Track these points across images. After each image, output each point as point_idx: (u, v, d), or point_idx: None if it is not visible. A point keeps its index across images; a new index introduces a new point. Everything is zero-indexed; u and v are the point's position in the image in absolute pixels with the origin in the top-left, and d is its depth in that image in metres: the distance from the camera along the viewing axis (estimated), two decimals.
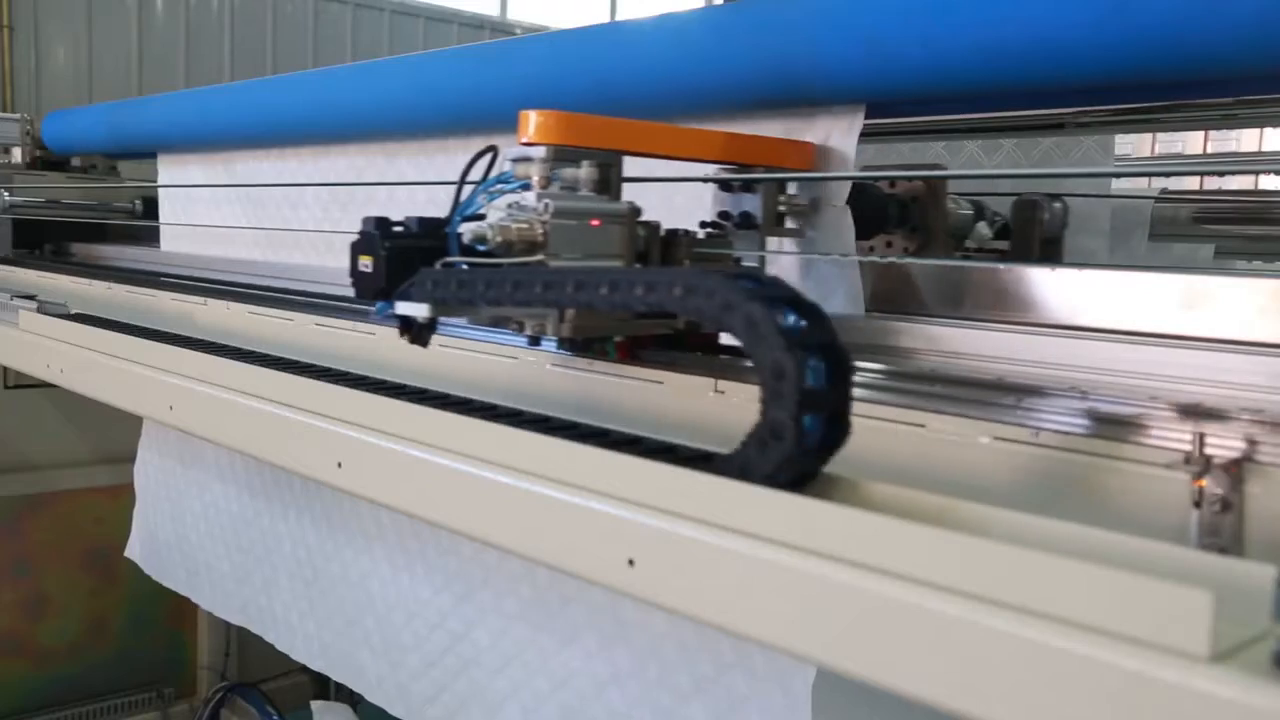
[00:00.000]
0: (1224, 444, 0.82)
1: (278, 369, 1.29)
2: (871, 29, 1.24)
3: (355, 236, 1.17)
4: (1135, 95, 1.31)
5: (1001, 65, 1.15)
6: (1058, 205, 1.79)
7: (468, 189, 1.19)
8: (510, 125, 1.86)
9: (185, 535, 2.42)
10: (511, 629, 1.60)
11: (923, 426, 1.01)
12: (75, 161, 3.59)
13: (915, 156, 2.51)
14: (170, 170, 2.87)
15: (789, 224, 1.37)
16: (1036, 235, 1.74)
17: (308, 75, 2.37)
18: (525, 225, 1.10)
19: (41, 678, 3.79)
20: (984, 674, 0.59)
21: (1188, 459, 0.83)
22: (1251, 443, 0.81)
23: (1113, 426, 0.89)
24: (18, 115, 3.58)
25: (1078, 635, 0.56)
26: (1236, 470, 0.81)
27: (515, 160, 1.18)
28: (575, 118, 1.19)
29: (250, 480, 2.20)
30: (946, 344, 1.16)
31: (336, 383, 1.24)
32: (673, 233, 1.25)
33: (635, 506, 0.81)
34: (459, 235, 1.14)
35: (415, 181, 2.06)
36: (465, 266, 1.14)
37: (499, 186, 1.18)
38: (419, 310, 1.12)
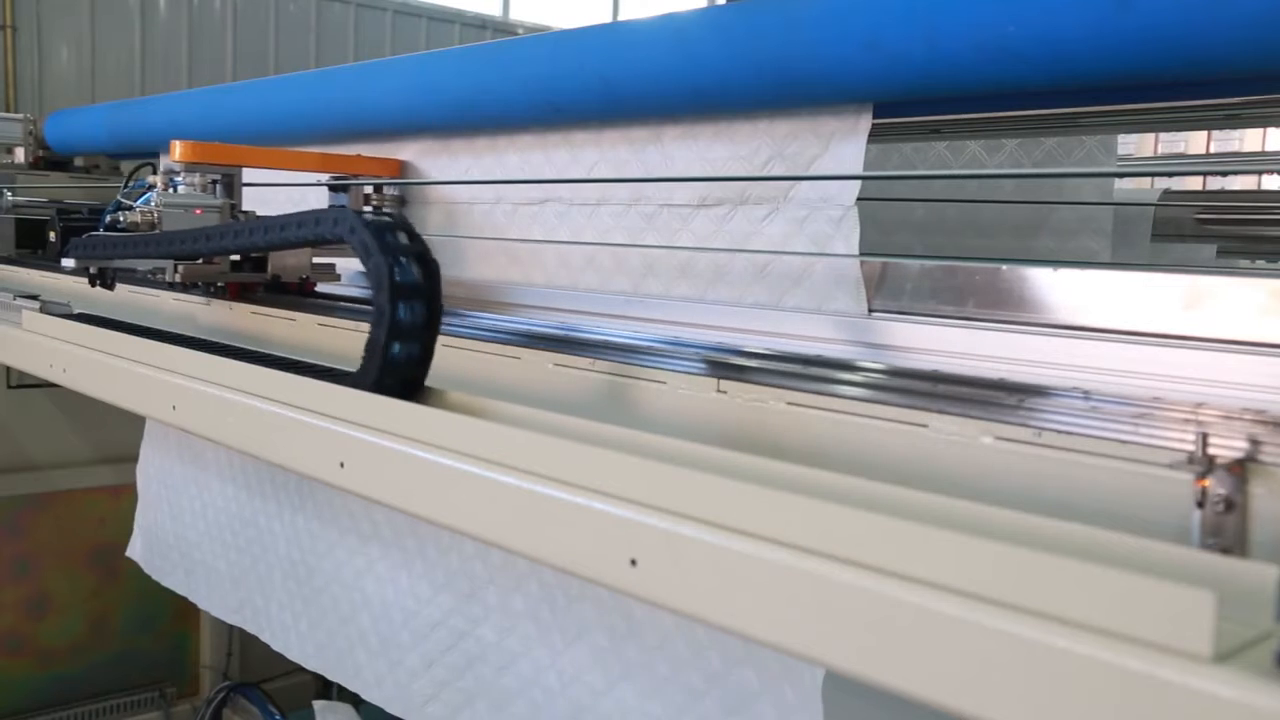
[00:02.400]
0: (1227, 444, 0.82)
1: (280, 369, 1.29)
2: (873, 29, 1.24)
3: None
4: (1138, 95, 1.30)
5: (1004, 65, 1.15)
6: None
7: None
8: (511, 125, 1.87)
9: (184, 535, 2.42)
10: (519, 625, 1.60)
11: (925, 426, 1.01)
12: (78, 161, 3.59)
13: (917, 156, 2.51)
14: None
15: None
16: None
17: (310, 75, 2.38)
18: (146, 212, 1.81)
19: (44, 677, 3.80)
20: (986, 674, 0.59)
21: (1191, 459, 0.83)
22: (1255, 443, 0.80)
23: (1115, 426, 0.88)
24: (21, 115, 3.58)
25: (1080, 635, 0.56)
26: (1239, 470, 0.81)
27: (163, 172, 1.89)
28: (201, 145, 1.88)
29: (247, 480, 2.20)
30: (948, 344, 1.16)
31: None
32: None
33: (638, 506, 0.81)
34: (107, 219, 1.89)
35: (415, 181, 2.06)
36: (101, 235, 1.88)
37: (138, 190, 1.93)
38: (70, 264, 1.89)
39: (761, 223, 1.47)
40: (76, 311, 1.92)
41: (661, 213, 1.60)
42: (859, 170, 1.38)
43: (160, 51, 6.72)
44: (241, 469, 2.22)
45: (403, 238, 1.17)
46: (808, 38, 1.31)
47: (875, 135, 1.38)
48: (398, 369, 1.14)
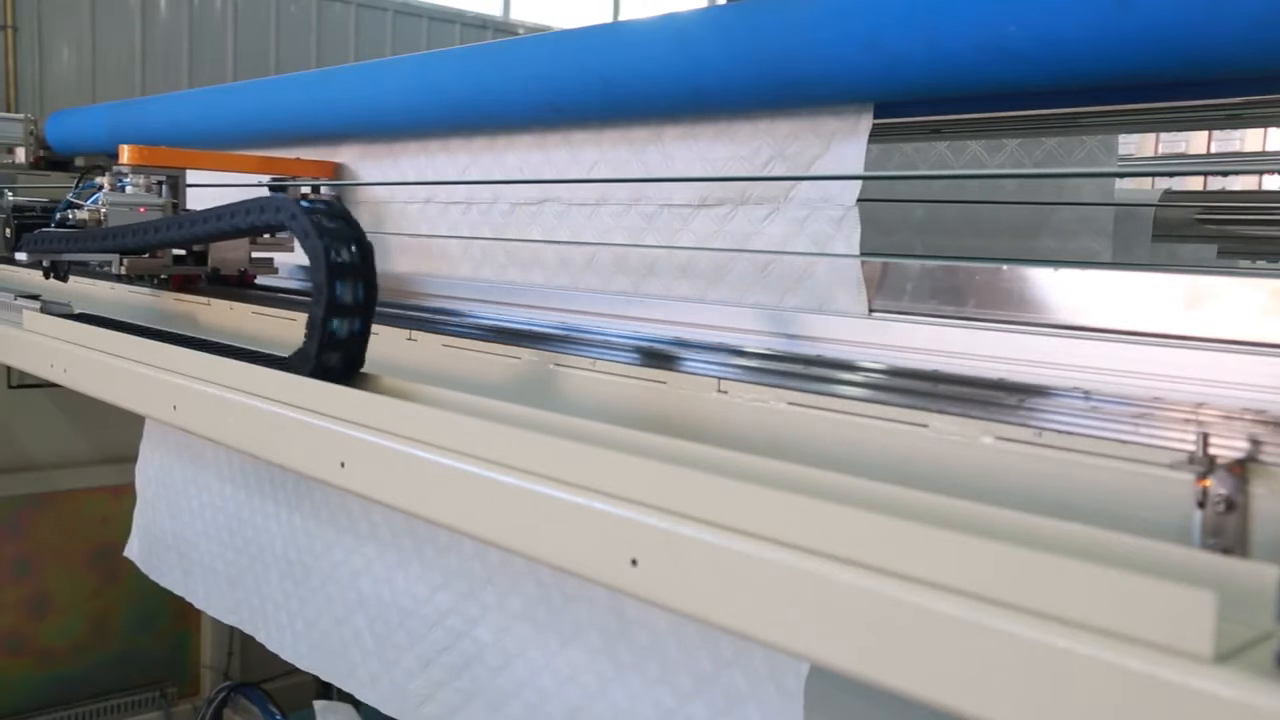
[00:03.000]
0: (1228, 444, 0.82)
1: (281, 369, 1.29)
2: (874, 29, 1.24)
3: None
4: (1139, 95, 1.30)
5: (1005, 65, 1.15)
6: None
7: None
8: (512, 124, 1.87)
9: (182, 535, 2.42)
10: (515, 626, 1.60)
11: (925, 426, 1.01)
12: (79, 161, 3.59)
13: (917, 156, 2.51)
14: None
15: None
16: None
17: (310, 75, 2.38)
18: (93, 210, 1.98)
19: (45, 677, 3.80)
20: (987, 674, 0.59)
21: (1191, 459, 0.83)
22: (1255, 443, 0.80)
23: (1116, 426, 0.88)
24: (22, 115, 3.58)
25: (1081, 635, 0.56)
26: (1240, 470, 0.81)
27: (112, 173, 2.03)
28: (147, 149, 2.05)
29: (245, 480, 2.20)
30: (949, 344, 1.16)
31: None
32: None
33: (639, 506, 0.81)
34: (58, 216, 2.06)
35: (416, 181, 2.06)
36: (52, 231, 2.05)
37: (88, 190, 2.08)
38: (22, 256, 2.14)
39: (762, 223, 1.47)
40: (77, 312, 1.92)
41: (662, 213, 1.60)
42: (860, 170, 1.38)
43: (161, 52, 6.72)
44: (240, 469, 2.22)
45: (338, 221, 1.27)
46: (808, 38, 1.31)
47: (876, 135, 1.38)
48: (337, 345, 1.24)
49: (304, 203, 1.31)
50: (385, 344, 1.67)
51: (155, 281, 2.09)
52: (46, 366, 1.75)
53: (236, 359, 1.31)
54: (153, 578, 2.54)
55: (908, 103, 1.42)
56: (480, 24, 8.33)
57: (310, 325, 1.23)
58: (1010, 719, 0.58)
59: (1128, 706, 0.54)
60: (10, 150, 3.49)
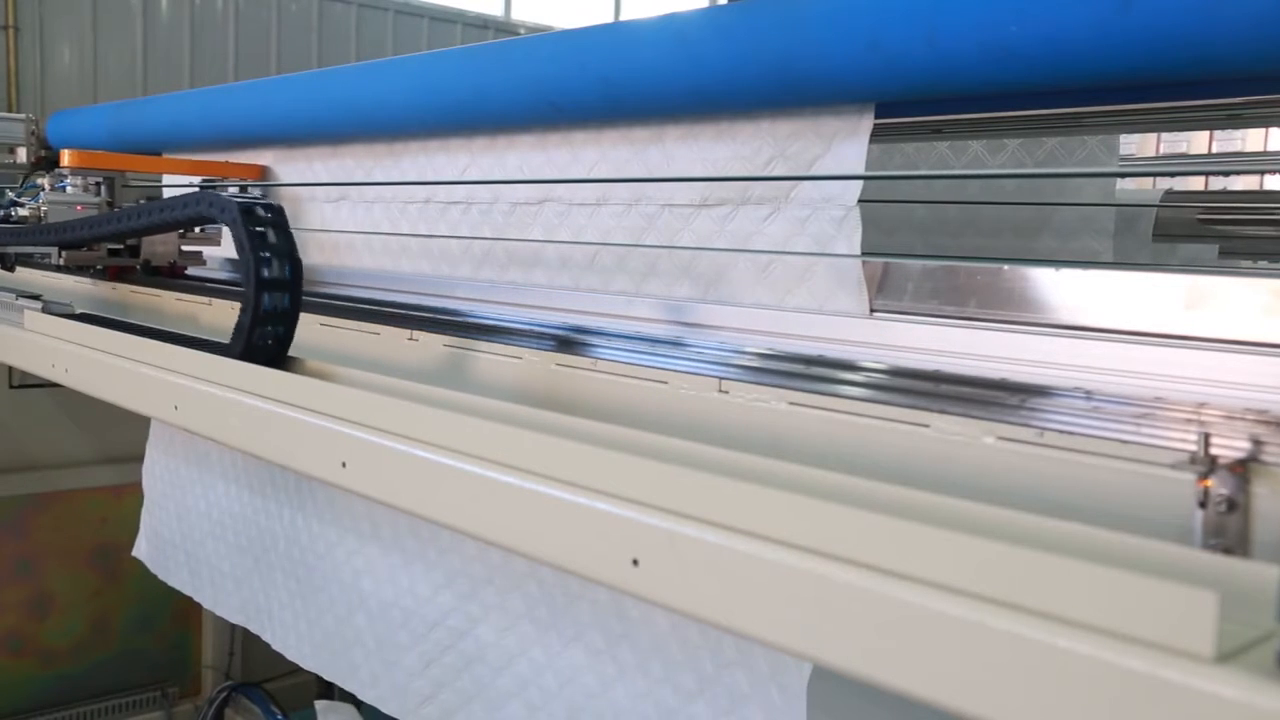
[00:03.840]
0: (1229, 444, 0.82)
1: (282, 369, 1.30)
2: (876, 29, 1.24)
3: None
4: (1140, 95, 1.30)
5: (1006, 65, 1.15)
6: None
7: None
8: (513, 124, 1.87)
9: (188, 535, 2.43)
10: (517, 626, 1.60)
11: (927, 426, 1.01)
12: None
13: (919, 156, 2.51)
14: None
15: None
16: None
17: (311, 75, 2.38)
18: (34, 208, 2.24)
19: (46, 677, 3.80)
20: (989, 674, 0.59)
21: (1193, 459, 0.83)
22: (1257, 443, 0.80)
23: (1118, 426, 0.88)
24: (23, 115, 3.58)
25: (1082, 635, 0.56)
26: (1242, 470, 0.81)
27: (53, 175, 2.28)
28: (87, 154, 2.35)
29: (249, 479, 2.20)
30: (950, 344, 1.16)
31: (340, 382, 1.25)
32: None
33: (640, 506, 0.81)
34: (1, 213, 2.31)
35: (417, 181, 2.06)
36: None
37: (31, 190, 2.35)
38: None
39: (763, 223, 1.47)
40: (78, 311, 1.92)
41: (663, 213, 1.60)
42: (861, 170, 1.38)
43: (162, 52, 6.72)
44: (244, 469, 2.22)
45: (262, 210, 1.43)
46: (810, 38, 1.31)
47: (877, 135, 1.38)
48: (268, 318, 1.38)
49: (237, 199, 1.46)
50: (386, 344, 1.67)
51: (91, 272, 2.38)
52: (48, 366, 1.76)
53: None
54: (160, 577, 2.55)
55: (909, 103, 1.42)
56: (481, 24, 8.34)
57: (244, 300, 1.37)
58: (1012, 719, 0.58)
59: (1129, 706, 0.54)
60: (11, 150, 3.48)
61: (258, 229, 1.37)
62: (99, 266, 2.31)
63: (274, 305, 1.37)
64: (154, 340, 1.53)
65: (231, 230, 1.40)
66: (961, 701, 0.60)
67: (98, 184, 2.29)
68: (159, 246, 2.30)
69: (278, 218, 1.41)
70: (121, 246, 2.24)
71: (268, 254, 1.37)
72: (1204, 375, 0.96)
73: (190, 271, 2.39)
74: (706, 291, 1.52)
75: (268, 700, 3.74)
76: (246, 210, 1.39)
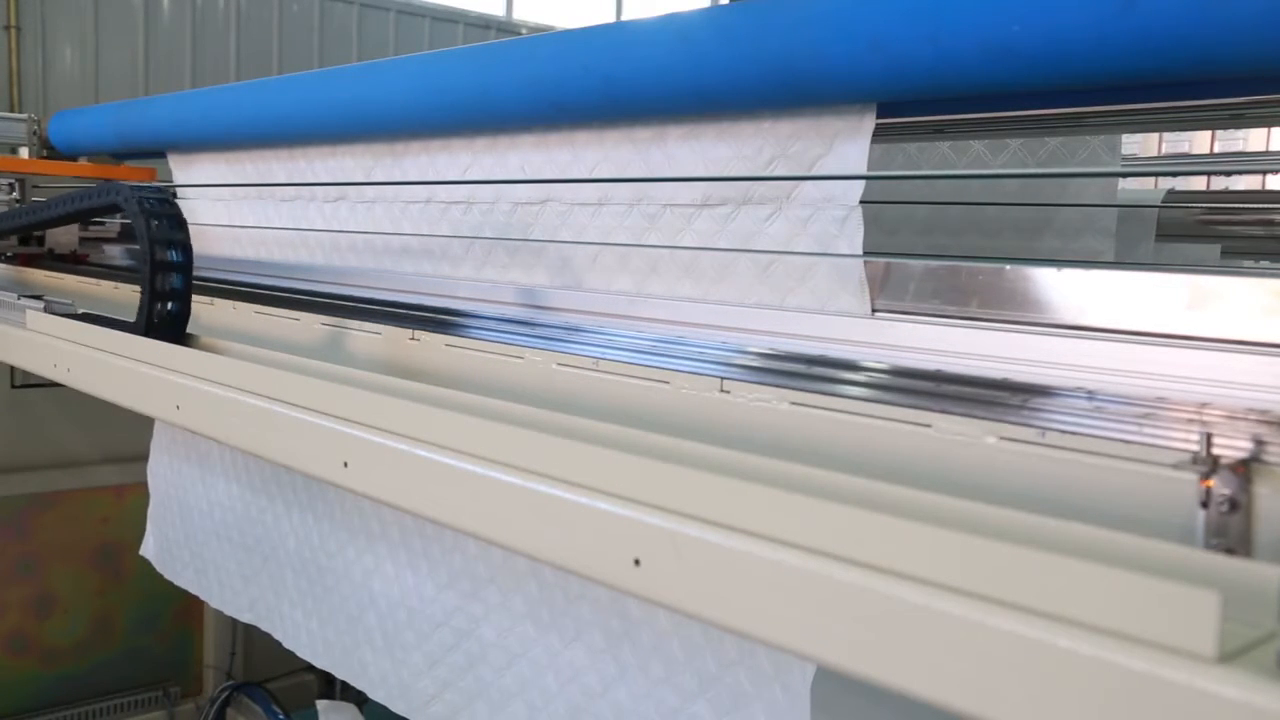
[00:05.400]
0: (1231, 444, 0.82)
1: (283, 369, 1.30)
2: (878, 29, 1.23)
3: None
4: (1142, 95, 1.30)
5: (1008, 65, 1.15)
6: None
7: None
8: (515, 125, 1.87)
9: (194, 534, 2.43)
10: (518, 626, 1.60)
11: (929, 426, 1.01)
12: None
13: (921, 156, 2.51)
14: (178, 170, 2.88)
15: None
16: None
17: (312, 75, 2.38)
18: None
19: (48, 676, 3.80)
20: (990, 674, 0.59)
21: (1195, 459, 0.83)
22: (1259, 443, 0.80)
23: (1120, 426, 0.88)
24: (25, 115, 3.58)
25: (1084, 635, 0.56)
26: (1244, 470, 0.80)
27: None
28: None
29: (256, 479, 2.21)
30: (952, 344, 1.16)
31: (342, 382, 1.25)
32: None
33: (641, 506, 0.81)
34: None
35: (418, 181, 2.06)
36: None
37: None
38: None
39: (765, 223, 1.47)
40: (80, 311, 1.92)
41: (665, 213, 1.60)
42: (863, 170, 1.38)
43: (164, 52, 6.73)
44: (250, 468, 2.22)
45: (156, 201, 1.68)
46: (812, 38, 1.30)
47: (879, 135, 1.38)
48: (167, 296, 1.63)
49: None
50: (387, 344, 1.67)
51: (2, 259, 2.83)
52: (49, 366, 1.76)
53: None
54: (167, 576, 2.56)
55: (911, 103, 1.42)
56: (483, 24, 8.33)
57: (142, 276, 1.61)
58: (1013, 719, 0.58)
59: (1131, 706, 0.54)
60: (14, 150, 3.49)
61: (154, 220, 1.65)
62: (9, 254, 2.80)
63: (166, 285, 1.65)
64: (154, 340, 1.53)
65: (133, 219, 1.66)
66: (964, 701, 0.60)
67: (10, 184, 2.84)
68: (61, 236, 2.77)
69: (171, 208, 1.69)
70: (30, 237, 2.73)
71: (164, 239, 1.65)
72: (1206, 375, 0.96)
73: (92, 258, 2.86)
74: (708, 291, 1.52)
75: (269, 700, 3.75)
76: (142, 201, 1.67)
